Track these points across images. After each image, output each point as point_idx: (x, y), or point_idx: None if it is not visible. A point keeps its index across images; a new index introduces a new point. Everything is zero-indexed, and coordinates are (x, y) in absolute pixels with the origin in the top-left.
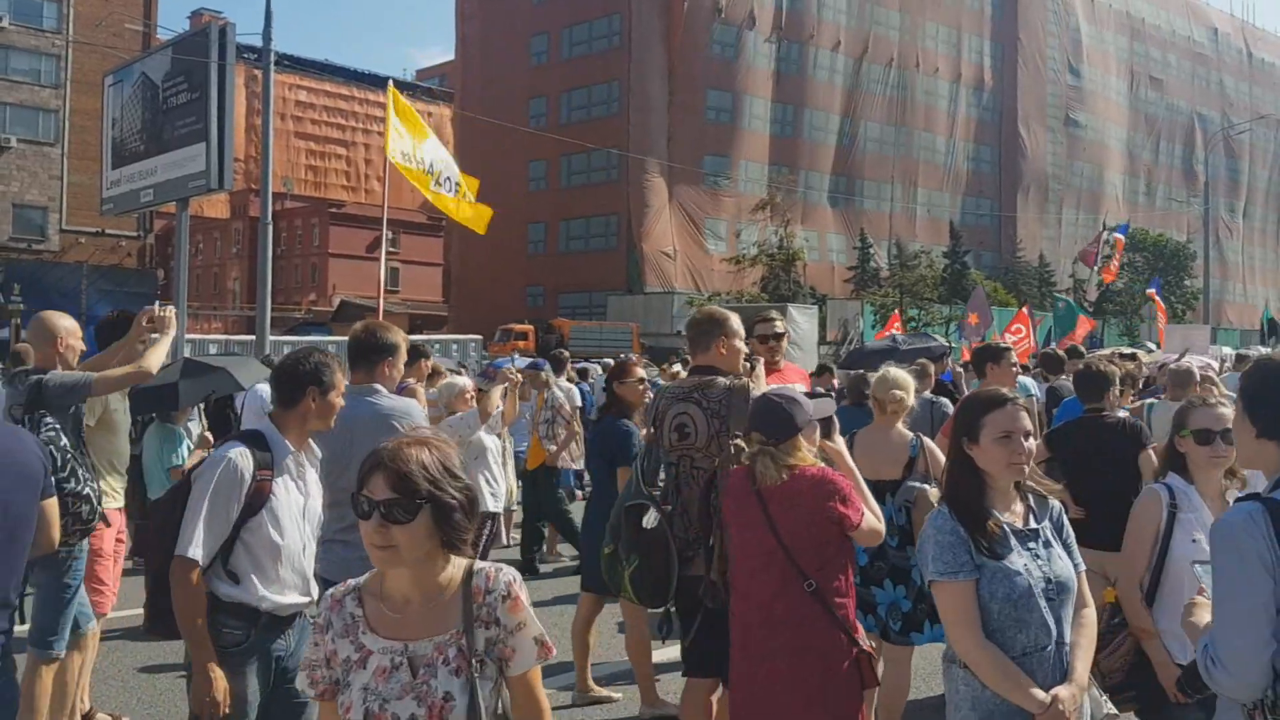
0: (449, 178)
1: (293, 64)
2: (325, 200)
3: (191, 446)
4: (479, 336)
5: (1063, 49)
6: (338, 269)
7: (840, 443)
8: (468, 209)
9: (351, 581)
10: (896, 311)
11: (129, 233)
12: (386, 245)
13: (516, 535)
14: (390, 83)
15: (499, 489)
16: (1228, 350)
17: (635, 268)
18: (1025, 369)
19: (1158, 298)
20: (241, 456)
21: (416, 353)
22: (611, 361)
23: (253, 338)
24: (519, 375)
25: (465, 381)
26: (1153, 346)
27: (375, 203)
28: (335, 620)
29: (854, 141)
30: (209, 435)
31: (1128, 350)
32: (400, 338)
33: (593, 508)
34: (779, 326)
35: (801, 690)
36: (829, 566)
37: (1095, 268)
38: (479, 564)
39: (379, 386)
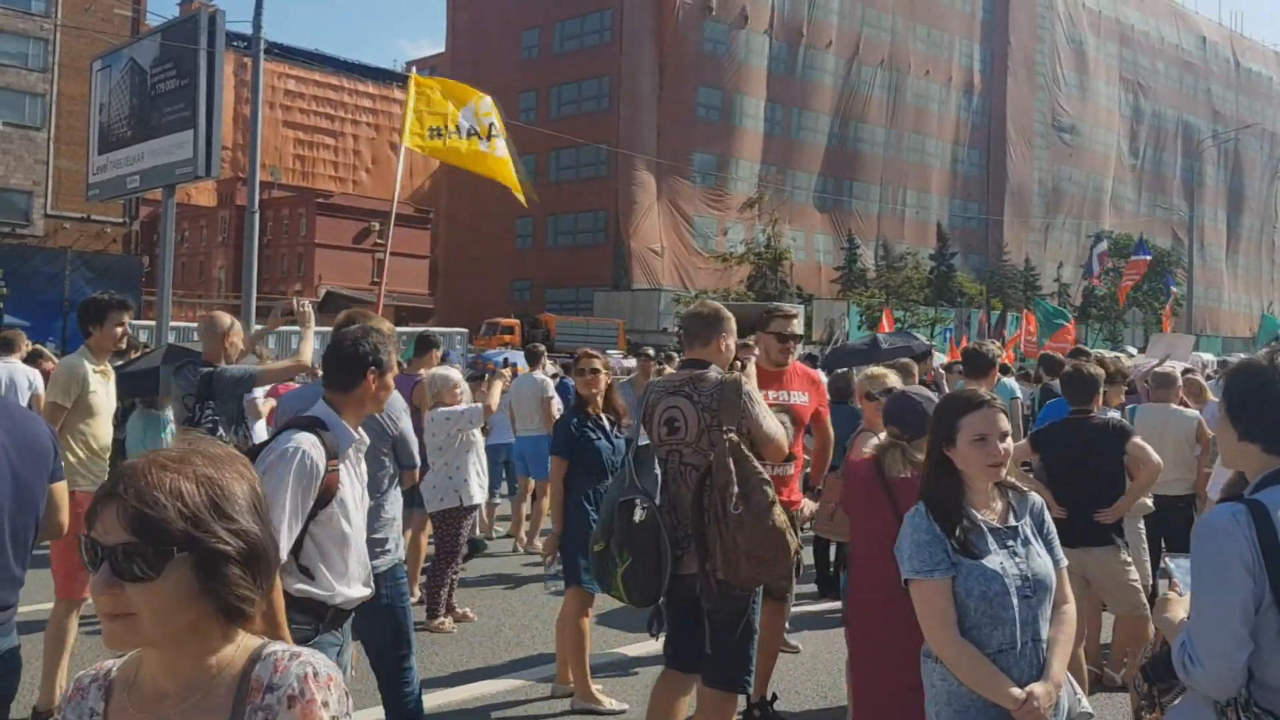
0: (491, 124)
1: (282, 53)
2: (313, 190)
3: (175, 432)
4: (465, 330)
5: (1052, 54)
6: (324, 259)
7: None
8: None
9: (108, 663)
10: (887, 309)
11: (114, 219)
12: (375, 237)
13: (500, 528)
14: (413, 70)
15: (485, 480)
16: (1209, 357)
17: (623, 264)
18: (1007, 369)
19: (1174, 290)
20: (314, 447)
21: (428, 343)
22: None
23: None
24: (508, 371)
25: (456, 374)
26: (1133, 350)
27: (363, 194)
28: (70, 717)
29: (843, 142)
30: None
31: (1110, 354)
32: (386, 329)
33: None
34: (797, 327)
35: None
36: None
37: (1098, 282)
38: (273, 646)
39: None
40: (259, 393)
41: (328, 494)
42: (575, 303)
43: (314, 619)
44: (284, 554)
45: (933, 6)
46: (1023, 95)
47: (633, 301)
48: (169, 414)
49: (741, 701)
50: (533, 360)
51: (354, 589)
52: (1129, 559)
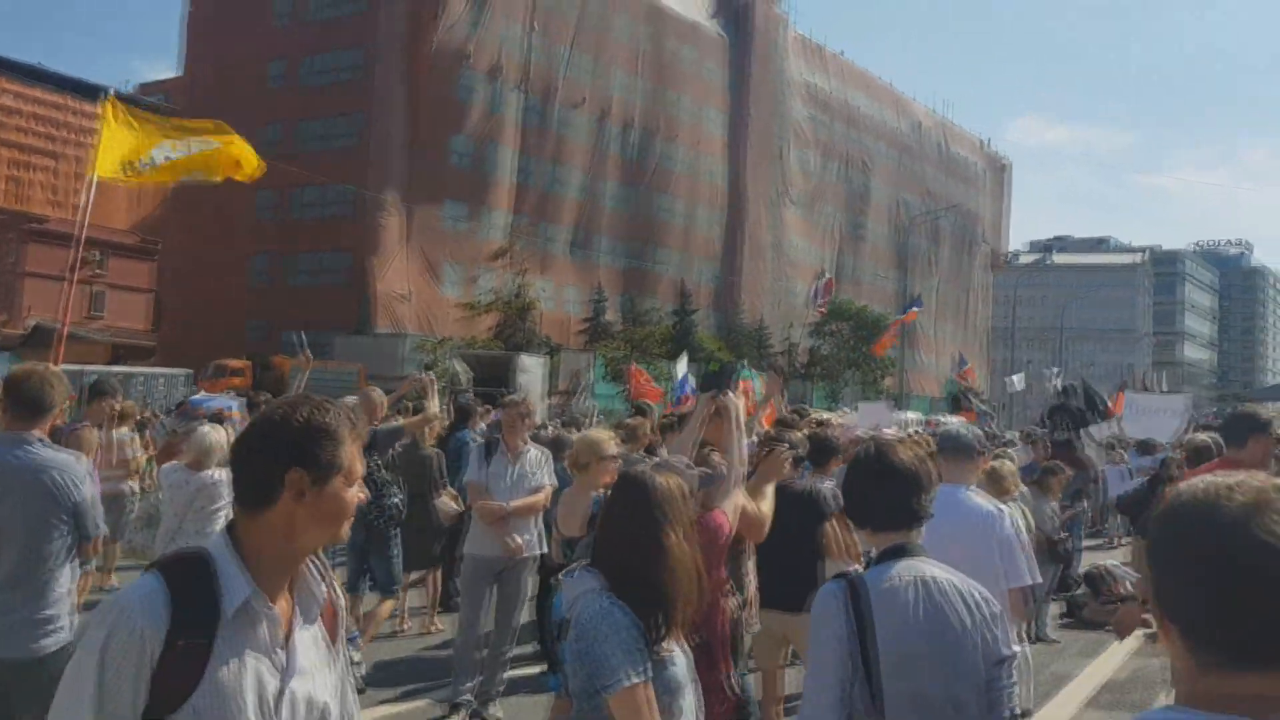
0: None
1: None
2: (25, 214)
3: None
4: (189, 371)
5: (787, 129)
6: (34, 289)
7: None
8: (228, 156)
9: None
10: (634, 365)
11: None
12: (95, 268)
13: None
14: (111, 92)
15: None
16: (913, 415)
17: (366, 308)
18: None
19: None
20: (145, 608)
21: (100, 390)
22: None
23: None
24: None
25: (219, 437)
26: (848, 409)
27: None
28: None
29: (594, 197)
30: None
31: (824, 415)
32: (61, 397)
33: None
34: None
35: None
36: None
37: (823, 312)
38: None
39: (37, 434)
40: None
41: (178, 687)
42: (314, 346)
43: None
44: None
45: (681, 73)
46: (761, 165)
47: (375, 346)
48: None
49: None
50: (253, 410)
51: None
52: None
